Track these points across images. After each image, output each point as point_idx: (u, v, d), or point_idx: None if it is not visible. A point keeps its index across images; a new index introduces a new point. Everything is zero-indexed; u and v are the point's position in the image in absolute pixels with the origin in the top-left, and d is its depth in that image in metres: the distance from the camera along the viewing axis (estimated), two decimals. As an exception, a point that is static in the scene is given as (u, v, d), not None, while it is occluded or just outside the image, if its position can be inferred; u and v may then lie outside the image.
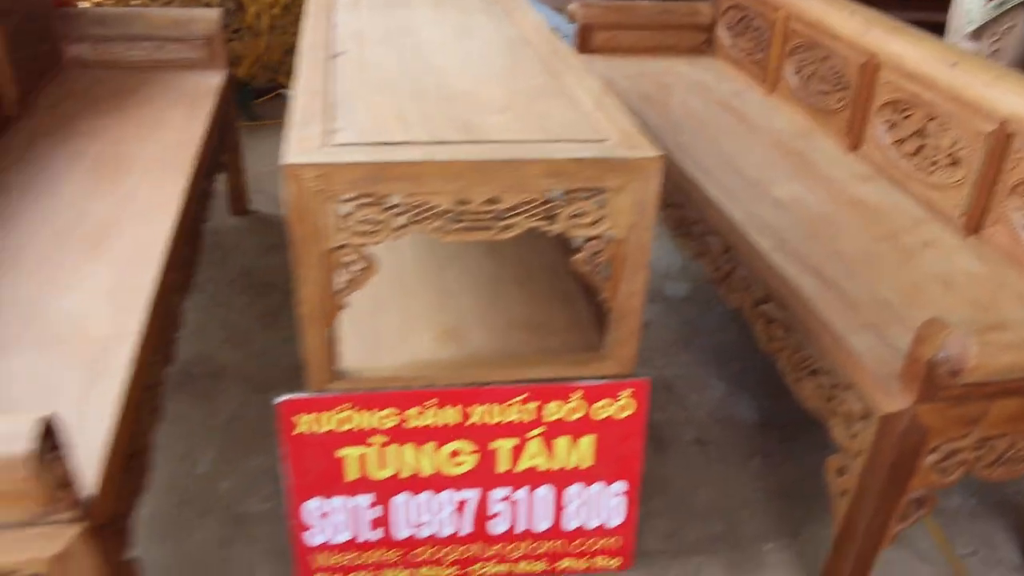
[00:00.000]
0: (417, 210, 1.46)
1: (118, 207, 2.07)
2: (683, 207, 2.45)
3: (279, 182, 3.57)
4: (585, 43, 3.36)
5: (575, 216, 1.52)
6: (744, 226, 2.15)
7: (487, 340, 1.83)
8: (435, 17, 2.27)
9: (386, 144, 1.48)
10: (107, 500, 1.35)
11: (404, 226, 1.47)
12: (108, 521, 1.35)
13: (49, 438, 1.15)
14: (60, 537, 1.24)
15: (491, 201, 1.47)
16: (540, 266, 2.09)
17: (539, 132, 1.56)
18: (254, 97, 4.44)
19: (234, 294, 2.90)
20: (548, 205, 1.49)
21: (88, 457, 1.35)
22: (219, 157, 2.87)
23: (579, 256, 1.58)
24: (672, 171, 2.43)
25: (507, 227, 1.50)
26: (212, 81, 2.89)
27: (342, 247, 1.48)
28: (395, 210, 1.45)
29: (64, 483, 1.20)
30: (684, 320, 2.90)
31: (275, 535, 2.02)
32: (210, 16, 2.97)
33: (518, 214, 1.49)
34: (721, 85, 3.13)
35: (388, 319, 1.87)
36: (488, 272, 2.06)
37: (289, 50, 4.54)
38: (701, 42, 3.46)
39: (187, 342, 2.34)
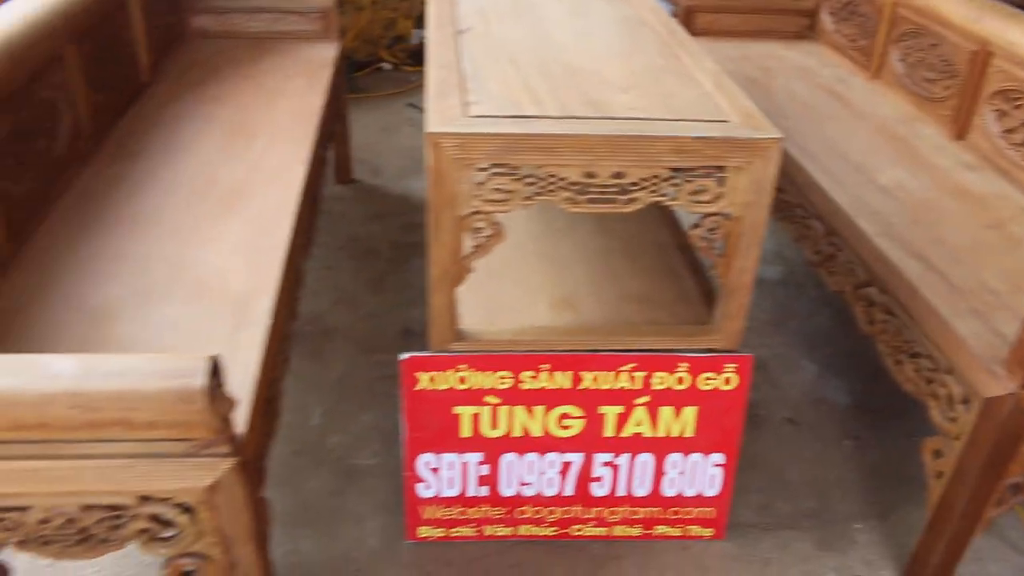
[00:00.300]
0: (546, 181, 1.53)
1: (248, 171, 2.19)
2: (785, 190, 2.47)
3: (381, 153, 3.71)
4: (688, 25, 3.37)
5: (695, 193, 1.57)
6: (849, 211, 2.17)
7: (599, 310, 1.90)
8: (553, -5, 2.33)
9: (520, 117, 1.55)
10: (252, 439, 1.46)
11: (533, 196, 1.54)
12: (252, 459, 1.46)
13: (216, 376, 1.26)
14: (215, 469, 1.34)
15: (617, 175, 1.53)
16: (648, 242, 2.15)
17: (664, 111, 1.61)
18: (355, 70, 4.55)
19: (343, 259, 3.01)
20: (670, 181, 1.55)
21: (238, 397, 1.45)
22: (332, 127, 2.99)
23: (696, 231, 1.63)
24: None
25: (631, 201, 1.56)
26: (327, 53, 3.00)
27: (474, 213, 1.56)
28: (526, 180, 1.53)
29: (225, 419, 1.31)
30: (778, 303, 2.93)
31: (383, 489, 2.12)
32: (326, -10, 3.08)
33: (642, 189, 1.55)
34: (824, 70, 3.13)
35: (506, 286, 1.95)
36: (599, 246, 2.12)
37: (388, 25, 4.64)
38: (803, 27, 3.46)
39: (301, 301, 2.45)
